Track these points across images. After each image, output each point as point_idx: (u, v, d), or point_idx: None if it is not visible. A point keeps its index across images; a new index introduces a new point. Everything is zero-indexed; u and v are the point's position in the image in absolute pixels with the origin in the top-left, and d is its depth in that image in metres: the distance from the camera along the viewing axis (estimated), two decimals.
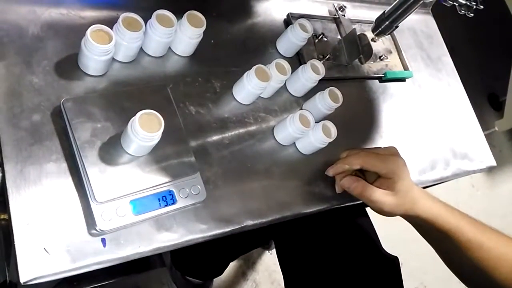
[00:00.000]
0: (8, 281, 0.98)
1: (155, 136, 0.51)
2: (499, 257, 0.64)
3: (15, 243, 0.47)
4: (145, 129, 0.49)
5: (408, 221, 0.69)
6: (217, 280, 1.30)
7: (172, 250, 1.12)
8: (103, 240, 0.51)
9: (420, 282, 1.72)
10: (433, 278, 1.74)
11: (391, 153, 0.67)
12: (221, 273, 1.18)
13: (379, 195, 0.63)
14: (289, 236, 0.81)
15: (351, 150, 0.68)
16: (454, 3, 0.63)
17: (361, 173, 0.68)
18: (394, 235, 1.70)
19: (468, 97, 0.97)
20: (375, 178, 0.66)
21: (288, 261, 0.82)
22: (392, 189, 0.63)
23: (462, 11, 0.63)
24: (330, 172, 0.67)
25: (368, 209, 0.86)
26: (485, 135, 0.95)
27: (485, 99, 2.44)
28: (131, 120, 0.51)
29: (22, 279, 0.46)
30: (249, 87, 0.64)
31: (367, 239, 0.79)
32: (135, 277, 1.21)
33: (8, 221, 0.49)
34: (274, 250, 1.45)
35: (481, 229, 0.65)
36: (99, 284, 1.08)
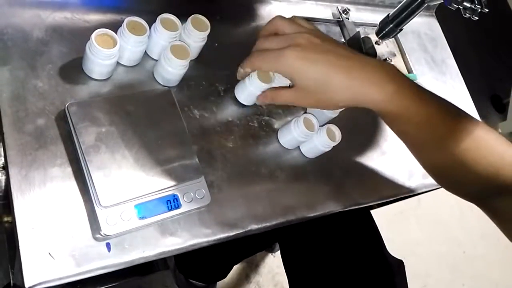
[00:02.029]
0: (12, 283, 0.99)
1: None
2: (479, 150, 0.56)
3: (20, 248, 0.47)
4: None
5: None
6: (220, 283, 1.30)
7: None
8: (108, 245, 0.51)
9: (424, 284, 1.72)
10: (437, 280, 1.74)
11: (285, 43, 0.56)
12: (224, 276, 1.18)
13: (288, 95, 0.59)
14: (294, 239, 0.81)
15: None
16: (459, 7, 0.62)
17: None
18: (397, 237, 1.71)
19: (471, 99, 0.97)
20: None
21: (293, 264, 0.82)
22: (295, 86, 0.58)
23: (467, 15, 0.63)
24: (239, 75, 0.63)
25: (372, 212, 0.85)
26: None
27: (488, 101, 2.44)
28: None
29: (27, 284, 0.46)
30: (251, 88, 0.64)
31: (371, 243, 0.79)
32: (138, 280, 1.21)
33: (13, 225, 0.48)
34: (277, 253, 1.45)
35: (455, 118, 0.57)
36: (102, 287, 1.08)
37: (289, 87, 0.61)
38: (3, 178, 1.02)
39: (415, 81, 0.58)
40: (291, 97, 0.59)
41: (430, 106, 0.55)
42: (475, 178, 0.57)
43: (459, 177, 0.59)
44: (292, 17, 0.62)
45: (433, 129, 0.56)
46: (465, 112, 0.58)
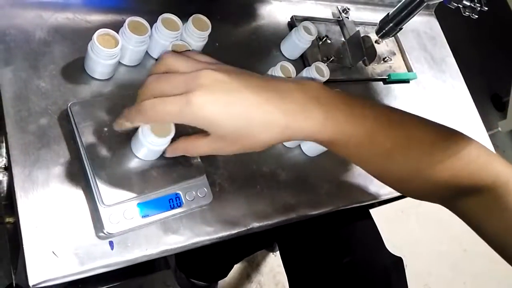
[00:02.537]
0: (14, 284, 0.99)
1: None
2: (432, 155, 0.52)
3: (23, 246, 0.47)
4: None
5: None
6: (221, 282, 1.31)
7: (177, 252, 1.13)
8: (111, 243, 0.51)
9: (424, 283, 1.72)
10: (438, 278, 1.74)
11: (193, 86, 0.44)
12: (225, 275, 1.18)
13: (205, 146, 0.48)
14: (293, 238, 0.81)
15: (142, 88, 0.48)
16: (459, 5, 0.63)
17: None
18: (397, 237, 1.71)
19: (472, 98, 0.97)
20: None
21: (292, 263, 0.82)
22: (213, 134, 0.47)
23: (467, 13, 0.63)
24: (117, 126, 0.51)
25: (373, 211, 0.86)
26: (488, 135, 0.95)
27: (488, 100, 2.44)
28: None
29: (31, 282, 0.46)
30: (147, 144, 0.53)
31: (371, 241, 0.79)
32: (140, 280, 1.22)
33: (16, 224, 0.49)
34: (278, 252, 1.46)
35: (399, 126, 0.52)
36: (104, 287, 1.08)
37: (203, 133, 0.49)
38: (5, 179, 1.03)
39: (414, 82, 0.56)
40: (209, 148, 0.48)
41: (366, 123, 0.49)
42: (432, 184, 0.54)
43: (415, 185, 0.55)
44: (185, 51, 0.53)
45: (375, 145, 0.50)
46: (410, 115, 0.53)
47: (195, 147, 0.49)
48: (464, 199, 0.55)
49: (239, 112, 0.45)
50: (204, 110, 0.44)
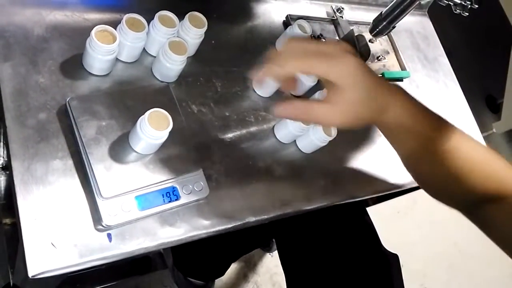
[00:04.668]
0: (11, 284, 0.99)
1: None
2: (473, 165, 0.58)
3: (23, 238, 0.48)
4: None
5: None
6: (218, 282, 1.31)
7: (174, 250, 1.13)
8: (109, 235, 0.52)
9: (421, 283, 1.73)
10: (433, 280, 1.75)
11: (340, 50, 0.50)
12: (223, 274, 1.19)
13: (323, 112, 0.51)
14: (290, 234, 0.82)
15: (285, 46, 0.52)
16: (450, 3, 0.64)
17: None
18: (394, 237, 1.72)
19: (466, 99, 0.98)
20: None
21: (289, 259, 0.83)
22: (341, 99, 0.50)
23: (457, 11, 0.64)
24: (255, 80, 0.54)
25: (369, 211, 0.87)
26: (483, 137, 0.96)
27: (483, 101, 2.46)
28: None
29: (30, 273, 0.47)
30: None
31: (367, 236, 0.80)
32: (136, 279, 1.22)
33: (13, 225, 0.49)
34: (275, 253, 1.46)
35: (457, 136, 0.58)
36: (101, 286, 1.08)
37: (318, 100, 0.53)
38: (2, 178, 1.03)
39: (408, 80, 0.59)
40: (326, 114, 0.51)
41: (427, 119, 0.57)
42: (459, 189, 0.58)
43: (442, 187, 0.60)
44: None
45: (428, 142, 0.56)
46: (454, 127, 0.59)
47: (315, 110, 0.51)
48: (486, 206, 0.58)
49: (372, 82, 0.50)
50: (355, 69, 0.49)
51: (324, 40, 0.53)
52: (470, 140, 0.59)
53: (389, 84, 0.55)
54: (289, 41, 0.52)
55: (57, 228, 0.50)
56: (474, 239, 1.97)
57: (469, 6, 0.64)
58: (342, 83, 0.49)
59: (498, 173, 0.58)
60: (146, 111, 0.53)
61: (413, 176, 0.63)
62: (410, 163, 0.61)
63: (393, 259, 0.78)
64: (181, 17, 0.63)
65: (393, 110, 0.53)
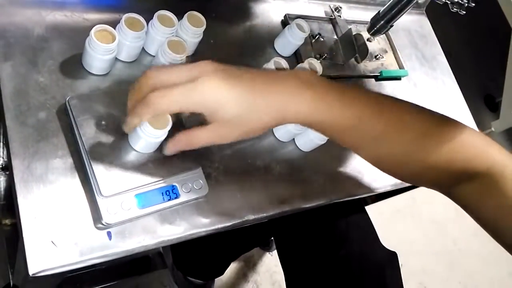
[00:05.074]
0: (11, 284, 0.99)
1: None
2: (425, 139, 0.53)
3: (23, 236, 0.48)
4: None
5: None
6: (218, 282, 1.31)
7: (174, 250, 1.13)
8: (109, 233, 0.52)
9: (420, 282, 1.73)
10: (433, 278, 1.75)
11: (188, 76, 0.46)
12: (222, 273, 1.19)
13: (208, 136, 0.49)
14: (289, 233, 0.83)
15: (138, 82, 0.48)
16: (447, 1, 0.64)
17: None
18: (393, 236, 1.72)
19: (464, 98, 0.99)
20: None
21: (288, 257, 0.83)
22: (219, 119, 0.47)
23: (454, 9, 0.65)
24: (125, 129, 0.51)
25: (368, 210, 0.87)
26: None
27: (481, 100, 2.47)
28: None
29: (31, 271, 0.47)
30: (146, 137, 0.54)
31: (365, 235, 0.80)
32: (136, 279, 1.22)
33: (13, 225, 0.50)
34: (274, 252, 1.47)
35: (392, 110, 0.53)
36: (101, 286, 1.09)
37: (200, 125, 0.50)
38: (2, 179, 1.03)
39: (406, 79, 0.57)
40: (212, 136, 0.49)
41: (358, 105, 0.51)
42: (427, 168, 0.55)
43: (411, 170, 0.56)
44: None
45: (367, 128, 0.52)
46: (404, 101, 0.54)
47: (198, 138, 0.50)
48: (460, 185, 0.56)
49: (242, 95, 0.46)
50: (211, 94, 0.45)
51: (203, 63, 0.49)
52: (423, 116, 0.54)
53: (282, 82, 0.49)
54: (130, 92, 0.49)
55: (57, 227, 0.50)
56: (473, 238, 1.97)
57: (466, 4, 0.64)
58: (204, 111, 0.47)
59: (466, 149, 0.55)
60: None
61: (383, 170, 0.59)
62: (356, 152, 0.57)
63: (392, 257, 0.79)
64: (180, 16, 0.63)
65: (296, 108, 0.49)
